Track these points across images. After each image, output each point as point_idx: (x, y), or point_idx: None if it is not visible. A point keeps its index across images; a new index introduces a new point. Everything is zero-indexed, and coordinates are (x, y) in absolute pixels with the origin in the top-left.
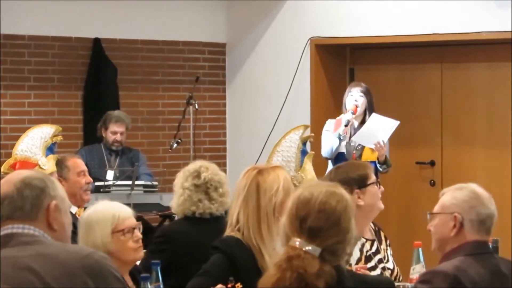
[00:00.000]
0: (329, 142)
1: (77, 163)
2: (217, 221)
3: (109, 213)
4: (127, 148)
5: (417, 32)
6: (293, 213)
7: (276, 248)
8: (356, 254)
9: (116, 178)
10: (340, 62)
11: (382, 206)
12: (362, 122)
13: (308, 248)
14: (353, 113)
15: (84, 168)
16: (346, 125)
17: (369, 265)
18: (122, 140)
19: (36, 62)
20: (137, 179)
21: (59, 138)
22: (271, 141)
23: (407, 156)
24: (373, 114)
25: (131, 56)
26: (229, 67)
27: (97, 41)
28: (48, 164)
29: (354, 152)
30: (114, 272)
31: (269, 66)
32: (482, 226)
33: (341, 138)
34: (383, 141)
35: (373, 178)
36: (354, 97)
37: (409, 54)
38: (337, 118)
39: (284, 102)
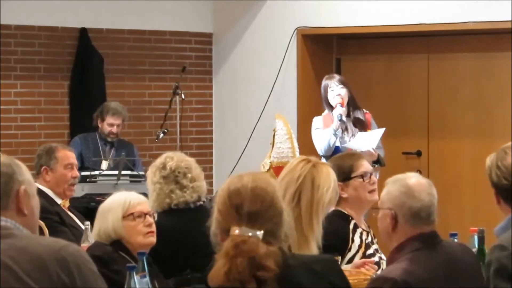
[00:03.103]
0: (325, 139)
1: (67, 156)
2: (198, 210)
3: (121, 199)
4: (122, 141)
5: (403, 22)
6: (227, 203)
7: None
8: (357, 241)
9: (110, 169)
10: (327, 52)
11: (373, 197)
12: (348, 114)
13: (251, 233)
14: (341, 106)
15: (73, 161)
16: (340, 120)
17: (368, 252)
18: (118, 132)
19: (23, 52)
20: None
21: None
22: (257, 131)
23: (394, 147)
24: (358, 134)
25: (117, 46)
26: (215, 57)
27: (83, 31)
28: None
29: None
30: (89, 265)
31: (255, 56)
32: (417, 219)
33: (337, 133)
34: (373, 148)
35: (360, 170)
36: (335, 91)
37: (396, 44)
38: (323, 114)
39: (271, 92)
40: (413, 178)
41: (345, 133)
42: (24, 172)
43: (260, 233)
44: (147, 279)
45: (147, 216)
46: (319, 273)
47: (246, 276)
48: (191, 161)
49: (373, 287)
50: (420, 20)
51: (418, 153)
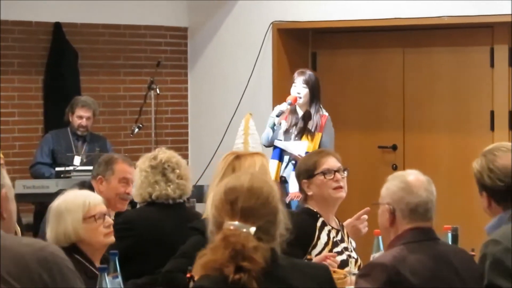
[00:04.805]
0: (266, 131)
1: (124, 170)
2: (178, 207)
3: (79, 200)
4: (95, 136)
5: (379, 16)
6: (222, 198)
7: None
8: (323, 238)
9: (83, 164)
10: (303, 47)
11: (338, 195)
12: (306, 112)
13: (244, 228)
14: (291, 104)
15: (129, 176)
16: (277, 116)
17: (335, 250)
18: (87, 126)
19: None
20: None
21: None
22: (233, 126)
23: (369, 140)
24: (279, 142)
25: (92, 40)
26: (191, 52)
27: (57, 26)
28: None
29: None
30: (68, 264)
31: (231, 50)
32: (414, 215)
33: (275, 128)
34: (299, 155)
35: (322, 167)
36: (297, 88)
37: (371, 38)
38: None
39: (246, 86)
40: (412, 175)
41: (294, 128)
42: (4, 176)
43: (252, 229)
44: (119, 279)
45: (106, 217)
46: (309, 275)
47: (228, 265)
48: (183, 161)
49: (363, 273)
50: (395, 14)
51: (394, 147)
